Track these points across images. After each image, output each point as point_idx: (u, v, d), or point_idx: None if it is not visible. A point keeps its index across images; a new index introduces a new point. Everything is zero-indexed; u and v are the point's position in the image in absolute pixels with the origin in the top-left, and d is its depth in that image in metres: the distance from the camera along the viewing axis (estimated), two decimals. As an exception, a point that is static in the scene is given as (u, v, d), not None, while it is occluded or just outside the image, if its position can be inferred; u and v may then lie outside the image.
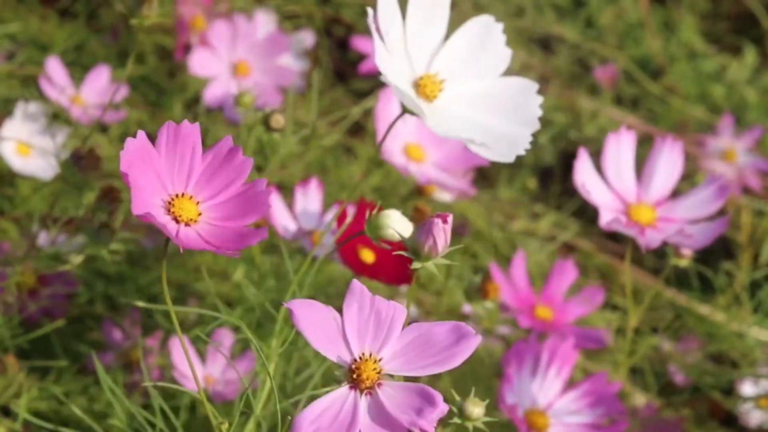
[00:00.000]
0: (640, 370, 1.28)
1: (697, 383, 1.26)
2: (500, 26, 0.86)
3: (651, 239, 0.96)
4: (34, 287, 1.11)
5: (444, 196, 1.23)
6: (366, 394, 0.66)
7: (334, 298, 1.01)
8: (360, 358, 0.67)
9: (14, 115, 1.20)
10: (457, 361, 0.67)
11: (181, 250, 0.67)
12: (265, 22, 1.42)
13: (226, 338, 1.07)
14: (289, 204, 1.09)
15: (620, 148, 1.01)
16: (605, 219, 0.96)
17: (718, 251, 1.46)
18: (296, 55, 1.46)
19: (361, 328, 0.68)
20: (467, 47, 0.85)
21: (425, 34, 0.83)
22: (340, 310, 0.69)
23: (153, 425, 0.84)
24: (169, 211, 0.69)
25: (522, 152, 0.81)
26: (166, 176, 0.69)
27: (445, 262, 0.74)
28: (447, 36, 0.85)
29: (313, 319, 0.67)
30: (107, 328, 1.14)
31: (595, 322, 1.27)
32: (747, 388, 1.27)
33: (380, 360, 0.67)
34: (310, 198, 1.09)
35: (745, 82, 1.74)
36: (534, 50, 1.69)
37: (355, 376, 0.66)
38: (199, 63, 1.32)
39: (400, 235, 0.75)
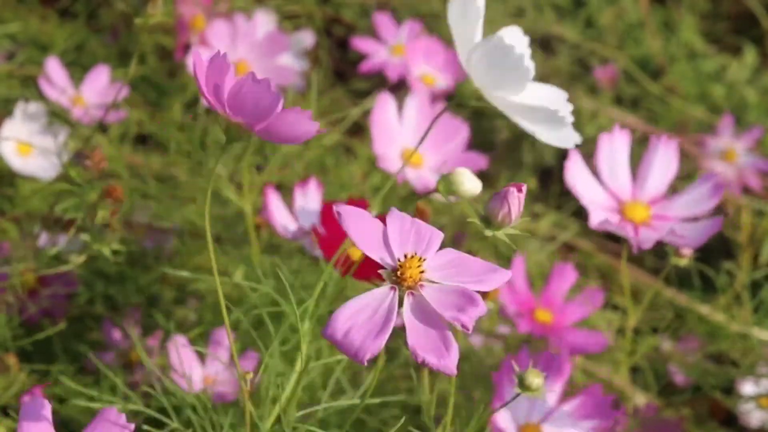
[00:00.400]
0: (640, 370, 1.28)
1: (697, 383, 1.26)
2: (526, 39, 0.89)
3: (645, 239, 0.96)
4: (34, 287, 1.11)
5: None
6: (408, 295, 0.68)
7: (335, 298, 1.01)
8: (405, 257, 0.69)
9: (14, 115, 1.20)
10: (490, 286, 0.70)
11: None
12: (264, 22, 1.42)
13: (225, 338, 1.07)
14: (289, 203, 1.09)
15: (613, 147, 1.01)
16: (596, 219, 0.96)
17: (718, 251, 1.46)
18: (296, 55, 1.46)
19: (403, 239, 0.71)
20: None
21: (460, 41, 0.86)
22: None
23: (156, 425, 0.84)
24: None
25: (572, 145, 0.84)
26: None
27: (516, 233, 0.76)
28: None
29: (359, 224, 0.70)
30: (107, 328, 1.14)
31: (596, 322, 1.27)
32: (747, 388, 1.27)
33: (423, 261, 0.70)
34: (309, 197, 1.09)
35: (745, 82, 1.74)
36: (534, 50, 1.69)
37: (399, 274, 0.69)
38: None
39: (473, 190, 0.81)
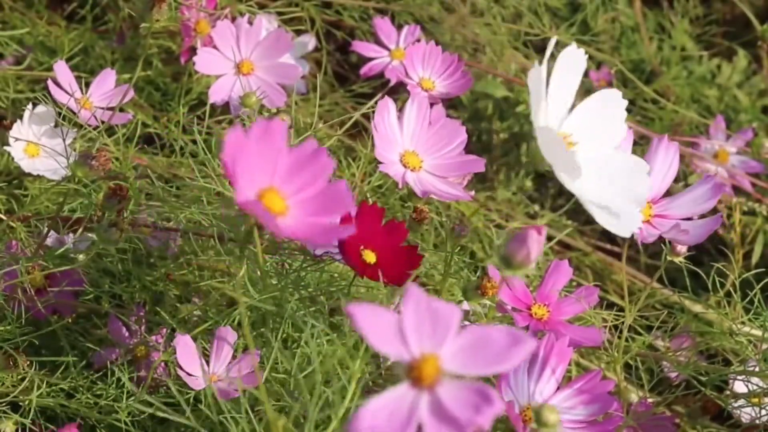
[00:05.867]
0: (634, 367, 1.29)
1: (689, 380, 1.28)
2: (624, 102, 0.90)
3: (647, 234, 0.98)
4: (42, 285, 1.12)
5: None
6: (426, 392, 0.67)
7: (335, 296, 1.03)
8: (420, 356, 0.68)
9: (23, 117, 1.21)
10: (513, 364, 0.68)
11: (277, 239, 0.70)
12: (267, 25, 1.43)
13: (229, 336, 1.08)
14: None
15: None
16: None
17: (710, 250, 1.48)
18: (298, 58, 1.47)
19: (419, 329, 0.69)
20: (592, 116, 0.88)
21: (558, 98, 0.87)
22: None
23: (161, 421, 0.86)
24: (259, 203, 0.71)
25: (636, 230, 0.84)
26: (255, 170, 0.71)
27: (533, 272, 0.78)
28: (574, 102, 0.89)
29: (372, 321, 0.68)
30: (113, 325, 1.16)
31: (590, 320, 1.29)
32: (739, 385, 1.29)
33: (440, 359, 0.68)
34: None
35: (737, 85, 1.76)
36: (530, 53, 1.71)
37: (415, 374, 0.67)
38: (205, 62, 1.33)
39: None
